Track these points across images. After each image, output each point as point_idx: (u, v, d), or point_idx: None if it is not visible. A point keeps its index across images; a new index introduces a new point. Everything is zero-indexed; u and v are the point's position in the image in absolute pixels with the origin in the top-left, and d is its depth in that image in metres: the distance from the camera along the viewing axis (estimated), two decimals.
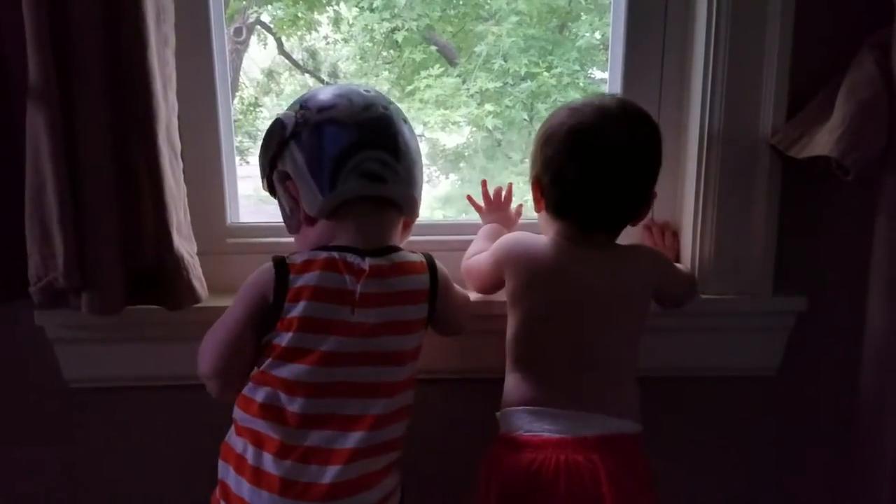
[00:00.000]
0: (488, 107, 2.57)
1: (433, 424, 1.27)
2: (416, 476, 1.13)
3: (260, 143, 1.09)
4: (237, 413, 1.02)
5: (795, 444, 1.36)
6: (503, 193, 1.29)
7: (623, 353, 1.11)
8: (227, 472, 1.01)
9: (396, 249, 1.05)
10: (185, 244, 1.14)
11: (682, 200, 1.27)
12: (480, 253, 1.19)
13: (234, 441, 1.01)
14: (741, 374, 1.30)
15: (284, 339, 0.99)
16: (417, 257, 1.07)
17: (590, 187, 1.08)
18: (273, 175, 1.07)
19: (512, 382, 1.12)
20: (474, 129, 2.65)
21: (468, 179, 2.73)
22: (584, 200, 1.09)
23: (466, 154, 2.81)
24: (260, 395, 0.99)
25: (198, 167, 1.23)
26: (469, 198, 1.29)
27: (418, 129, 2.29)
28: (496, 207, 1.29)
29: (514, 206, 1.30)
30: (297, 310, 0.98)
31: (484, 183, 1.28)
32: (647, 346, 1.16)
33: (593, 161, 1.07)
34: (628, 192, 1.10)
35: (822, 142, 1.11)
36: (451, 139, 2.76)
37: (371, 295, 1.00)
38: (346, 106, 1.02)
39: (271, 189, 1.10)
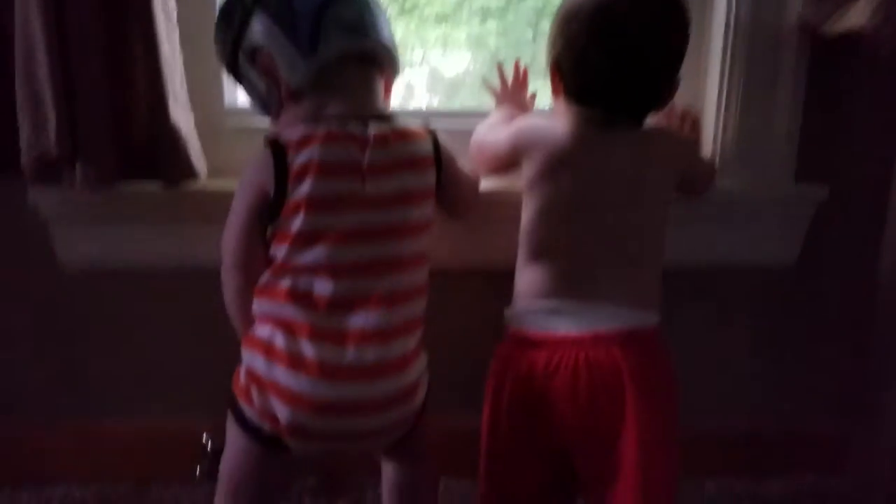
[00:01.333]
0: (491, 24, 2.50)
1: (439, 320, 1.24)
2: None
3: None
4: (259, 305, 0.97)
5: (811, 337, 1.34)
6: (520, 76, 1.23)
7: (646, 241, 1.06)
8: (253, 359, 0.96)
9: (393, 115, 1.00)
10: (182, 115, 1.09)
11: (705, 85, 1.22)
12: (493, 134, 1.14)
13: (258, 330, 0.97)
14: (758, 265, 1.27)
15: (296, 223, 0.93)
16: (416, 123, 1.02)
17: (615, 71, 1.01)
18: (239, 55, 0.99)
19: (526, 276, 1.07)
20: (476, 52, 2.59)
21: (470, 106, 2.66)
22: (609, 85, 1.02)
23: (467, 81, 2.75)
24: (285, 283, 0.94)
25: (194, 43, 1.15)
26: (485, 81, 1.23)
27: (419, 51, 2.21)
28: (512, 91, 1.23)
29: (528, 93, 1.25)
30: (303, 190, 0.93)
31: (500, 66, 1.22)
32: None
33: (620, 43, 1.00)
34: (655, 76, 1.03)
35: (857, 14, 1.06)
36: (451, 66, 2.69)
37: (379, 164, 0.95)
38: None
39: (236, 73, 1.02)
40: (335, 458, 1.33)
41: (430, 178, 1.01)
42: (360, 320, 0.94)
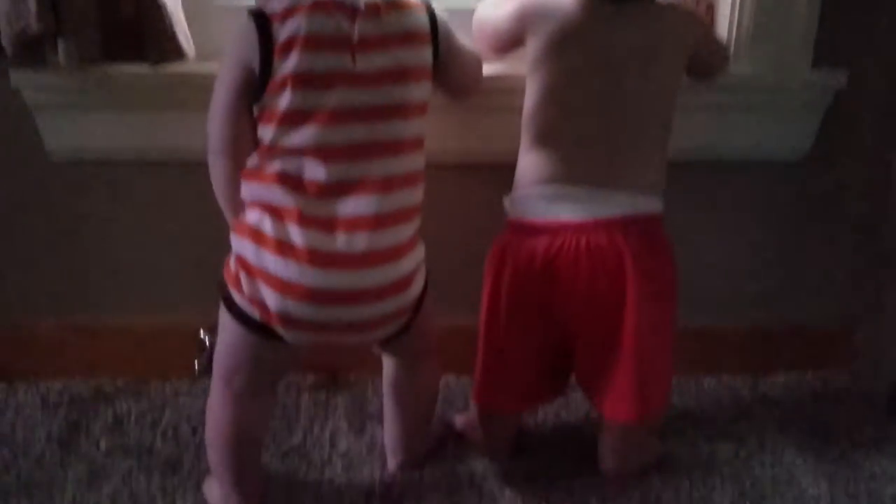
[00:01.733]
0: None
1: (439, 213, 1.21)
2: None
3: None
4: (247, 190, 0.94)
5: (818, 232, 1.31)
6: None
7: (652, 125, 1.02)
8: (242, 246, 0.93)
9: None
10: None
11: None
12: (496, 10, 1.08)
13: (247, 216, 0.93)
14: (770, 157, 1.23)
15: (282, 101, 0.89)
16: None
17: None
18: None
19: (527, 161, 1.04)
20: None
21: None
22: None
23: None
24: (274, 167, 0.91)
25: None
26: None
27: None
28: None
29: None
30: (290, 65, 0.88)
31: None
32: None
33: None
34: None
35: None
36: None
37: (370, 37, 0.90)
38: None
39: None
40: (336, 354, 1.31)
41: (426, 54, 0.95)
42: (351, 206, 0.90)
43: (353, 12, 0.89)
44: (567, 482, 1.14)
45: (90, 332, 1.31)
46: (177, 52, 1.04)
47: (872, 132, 1.23)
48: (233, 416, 1.00)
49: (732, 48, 1.14)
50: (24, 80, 1.09)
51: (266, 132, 0.91)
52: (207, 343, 1.24)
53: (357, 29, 0.89)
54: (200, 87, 1.08)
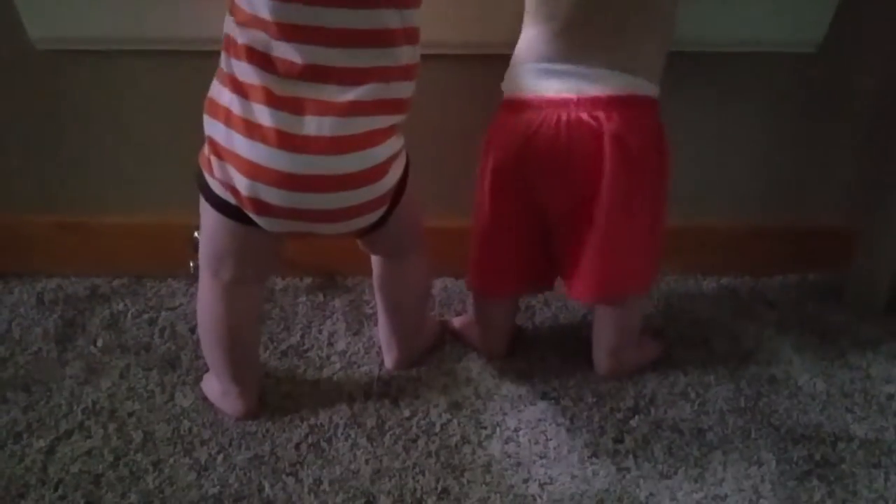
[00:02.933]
0: None
1: (440, 104, 1.18)
2: (423, 158, 1.04)
3: None
4: (222, 61, 0.89)
5: (826, 128, 1.27)
6: None
7: (651, 7, 0.98)
8: (213, 126, 0.90)
9: None
10: None
11: None
12: None
13: (218, 91, 0.90)
14: (779, 48, 1.17)
15: None
16: None
17: None
18: None
19: (524, 39, 1.01)
20: None
21: None
22: None
23: None
24: (243, 37, 0.86)
25: None
26: None
27: None
28: None
29: None
30: None
31: None
32: (681, 13, 1.03)
33: None
34: None
35: None
36: None
37: None
38: None
39: None
40: (330, 252, 1.30)
41: None
42: (321, 91, 0.86)
43: None
44: (562, 380, 1.15)
45: (85, 229, 1.29)
46: None
47: (888, 25, 1.18)
48: (223, 307, 1.00)
49: None
50: None
51: None
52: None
53: None
54: None
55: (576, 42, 0.97)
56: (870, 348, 1.22)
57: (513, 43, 1.04)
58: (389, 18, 0.87)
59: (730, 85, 1.22)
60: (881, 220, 1.23)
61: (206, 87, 0.93)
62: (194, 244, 1.23)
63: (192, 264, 1.24)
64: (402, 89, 0.92)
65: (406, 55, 0.90)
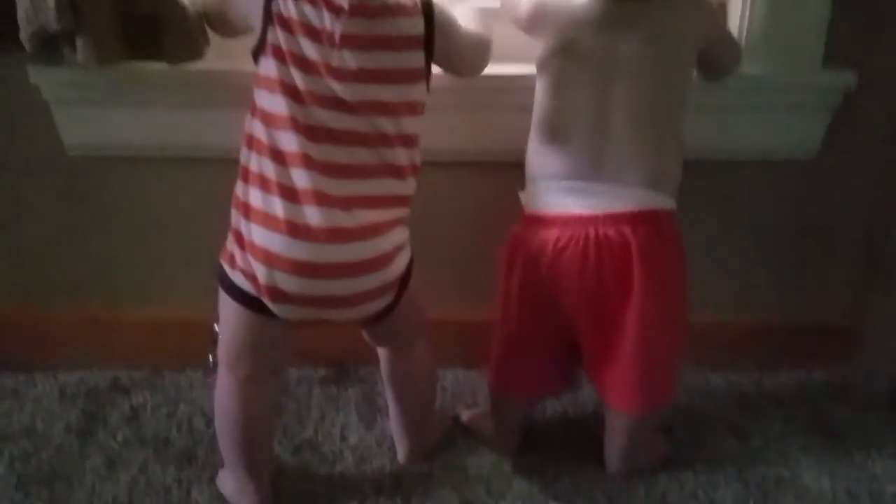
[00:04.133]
0: None
1: (454, 209, 1.23)
2: (436, 253, 1.08)
3: None
4: (243, 154, 0.97)
5: (826, 230, 1.31)
6: None
7: (663, 117, 1.03)
8: (236, 219, 0.97)
9: None
10: None
11: None
12: None
13: (239, 185, 0.97)
14: (778, 156, 1.23)
15: (266, 66, 0.93)
16: (410, 0, 0.96)
17: None
18: None
19: (538, 156, 1.06)
20: None
21: None
22: None
23: None
24: (260, 131, 0.94)
25: None
26: None
27: None
28: None
29: None
30: (278, 38, 0.92)
31: None
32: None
33: None
34: None
35: None
36: None
37: (352, 36, 0.91)
38: None
39: None
40: (342, 343, 1.33)
41: (415, 58, 0.96)
42: (324, 183, 0.92)
43: (338, 10, 0.91)
44: (573, 478, 1.16)
45: (107, 323, 1.34)
46: (194, 51, 1.05)
47: (882, 132, 1.23)
48: (238, 403, 1.03)
49: (743, 47, 1.14)
50: (42, 76, 1.11)
51: (255, 93, 0.95)
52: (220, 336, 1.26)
53: (340, 26, 0.91)
54: (217, 84, 1.11)
55: (597, 160, 1.01)
56: (875, 446, 1.23)
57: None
58: (384, 125, 0.94)
59: (733, 189, 1.27)
60: (882, 318, 1.26)
61: (226, 191, 0.99)
62: (213, 336, 1.26)
63: (210, 357, 1.27)
64: (402, 186, 0.99)
65: (401, 157, 0.97)
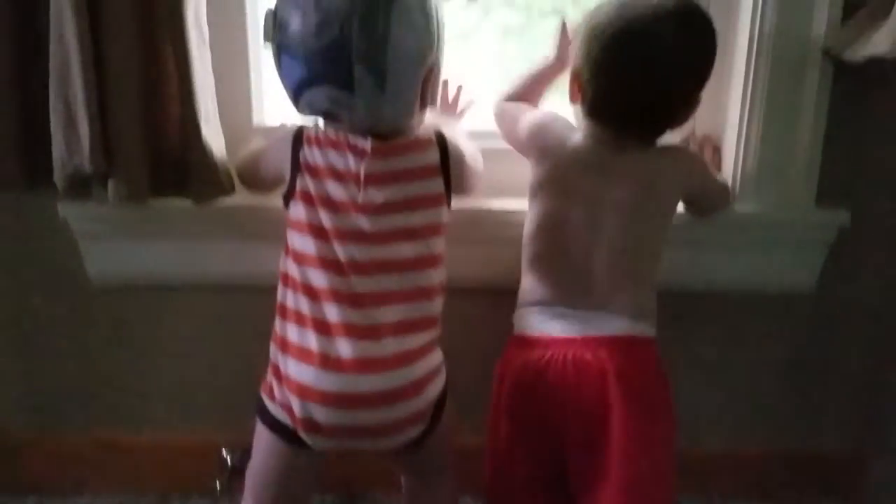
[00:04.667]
0: (510, 43, 2.51)
1: (451, 335, 1.25)
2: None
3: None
4: (280, 292, 1.01)
5: (827, 364, 1.33)
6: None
7: (644, 255, 1.07)
8: (274, 353, 1.01)
9: (407, 127, 1.02)
10: (213, 136, 1.10)
11: (727, 107, 1.22)
12: (518, 96, 1.15)
13: (277, 322, 1.01)
14: (777, 291, 1.27)
15: (296, 210, 0.99)
16: (424, 133, 1.03)
17: (634, 94, 1.01)
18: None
19: (526, 282, 1.10)
20: (495, 65, 2.59)
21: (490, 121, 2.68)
22: (625, 106, 1.03)
23: (486, 98, 2.76)
24: (292, 270, 0.99)
25: (224, 65, 1.17)
26: (563, 25, 1.17)
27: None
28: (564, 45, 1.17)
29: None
30: (306, 184, 0.98)
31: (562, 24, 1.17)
32: (681, 259, 1.14)
33: (641, 67, 1.00)
34: (674, 98, 1.03)
35: (879, 41, 1.06)
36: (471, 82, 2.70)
37: (376, 174, 0.98)
38: (299, 27, 0.92)
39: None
40: (357, 468, 1.33)
41: (435, 185, 1.02)
42: (352, 315, 0.96)
43: (362, 153, 0.97)
44: None
45: (116, 447, 1.34)
46: (219, 191, 1.11)
47: (877, 267, 1.27)
48: None
49: (738, 187, 1.20)
50: (71, 212, 1.17)
51: (288, 234, 1.00)
52: (229, 462, 1.26)
53: (364, 167, 0.97)
54: (237, 219, 1.16)
55: (581, 289, 1.04)
56: None
57: (514, 281, 1.13)
58: (411, 250, 0.99)
59: (733, 323, 1.30)
60: (887, 451, 1.27)
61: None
62: (221, 463, 1.27)
63: (217, 483, 1.27)
64: (431, 307, 1.02)
65: (430, 278, 1.01)
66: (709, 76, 1.03)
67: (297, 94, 0.97)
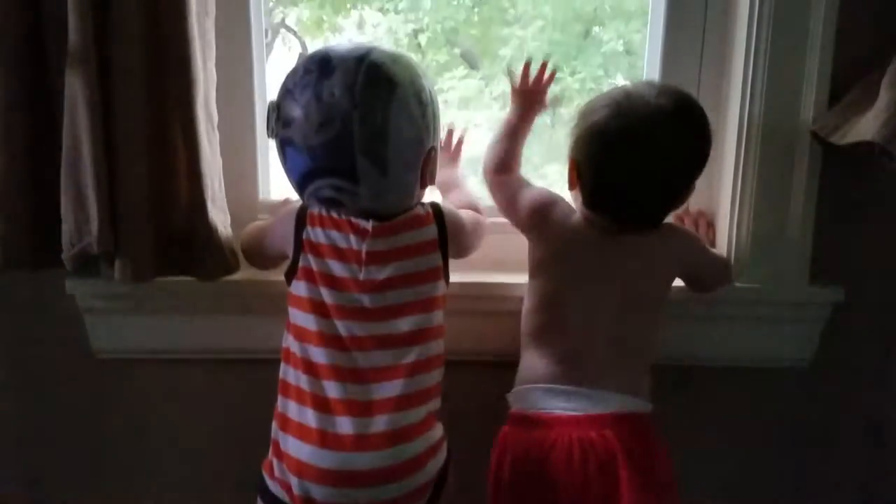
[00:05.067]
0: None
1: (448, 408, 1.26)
2: None
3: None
4: (281, 369, 1.03)
5: (825, 439, 1.34)
6: (545, 77, 1.19)
7: (642, 332, 1.09)
8: (274, 430, 1.02)
9: (407, 209, 1.05)
10: (219, 216, 1.13)
11: (720, 187, 1.26)
12: (507, 166, 1.16)
13: (279, 399, 1.03)
14: (773, 365, 1.28)
15: (298, 287, 1.01)
16: (422, 209, 1.06)
17: (633, 191, 1.05)
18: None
19: (526, 359, 1.11)
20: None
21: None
22: (624, 199, 1.06)
23: None
24: (293, 345, 1.01)
25: (231, 143, 1.21)
26: (509, 71, 1.18)
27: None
28: (531, 89, 1.18)
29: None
30: (309, 262, 1.01)
31: (527, 64, 1.17)
32: (678, 333, 1.16)
33: (642, 168, 1.03)
34: (670, 190, 1.07)
35: (866, 127, 1.09)
36: (472, 146, 2.76)
37: (377, 253, 1.01)
38: (302, 123, 0.97)
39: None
40: None
41: (433, 259, 1.05)
42: (352, 391, 0.98)
43: (364, 233, 1.00)
44: None
45: None
46: (224, 270, 1.13)
47: (872, 344, 1.28)
48: None
49: (732, 263, 1.23)
50: (79, 288, 1.19)
51: (290, 311, 1.02)
52: None
53: (366, 246, 1.00)
54: (241, 294, 1.18)
55: (580, 366, 1.06)
56: None
57: (509, 353, 1.14)
58: (410, 324, 1.01)
59: (730, 394, 1.31)
60: None
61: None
62: None
63: None
64: (431, 378, 1.04)
65: (429, 349, 1.03)
66: (704, 167, 1.06)
67: (303, 185, 1.01)
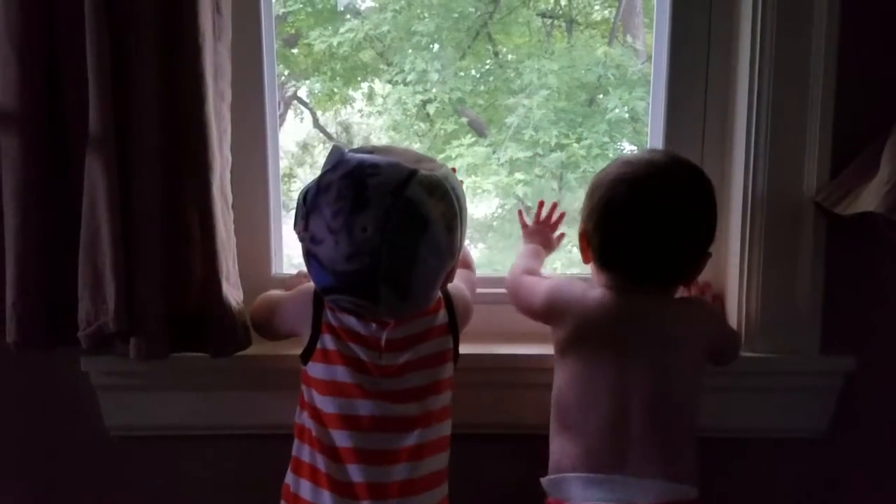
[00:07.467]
0: (518, 175, 2.60)
1: (468, 482, 1.25)
2: None
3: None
4: (295, 447, 1.05)
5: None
6: (554, 216, 1.31)
7: (679, 411, 1.07)
8: None
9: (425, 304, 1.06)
10: (232, 292, 1.15)
11: (727, 260, 1.26)
12: (528, 272, 1.20)
13: (289, 476, 1.04)
14: (787, 436, 1.27)
15: (315, 369, 1.03)
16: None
17: (635, 235, 1.06)
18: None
19: (559, 445, 1.08)
20: (504, 199, 2.68)
21: (497, 247, 2.76)
22: (629, 249, 1.07)
23: (495, 224, 2.84)
24: (309, 425, 1.02)
25: (245, 219, 1.24)
26: (520, 213, 1.31)
27: None
28: (541, 229, 1.30)
29: (556, 233, 1.33)
30: (328, 343, 1.02)
31: (541, 203, 1.31)
32: None
33: (639, 208, 1.05)
34: (676, 242, 1.07)
35: (869, 198, 1.10)
36: (480, 209, 2.79)
37: (395, 341, 1.03)
38: (330, 249, 0.95)
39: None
40: None
41: (446, 342, 1.07)
42: (373, 474, 0.99)
43: (383, 324, 1.03)
44: None
45: None
46: (237, 347, 1.14)
47: (885, 412, 1.27)
48: None
49: (743, 335, 1.23)
50: (93, 365, 1.20)
51: (304, 390, 1.04)
52: None
53: (385, 335, 1.03)
54: (254, 370, 1.19)
55: (617, 452, 1.03)
56: None
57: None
58: (422, 406, 1.04)
59: (743, 465, 1.29)
60: None
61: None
62: None
63: None
64: (442, 460, 1.05)
65: (439, 431, 1.05)
66: (712, 225, 1.09)
67: (324, 293, 1.02)
